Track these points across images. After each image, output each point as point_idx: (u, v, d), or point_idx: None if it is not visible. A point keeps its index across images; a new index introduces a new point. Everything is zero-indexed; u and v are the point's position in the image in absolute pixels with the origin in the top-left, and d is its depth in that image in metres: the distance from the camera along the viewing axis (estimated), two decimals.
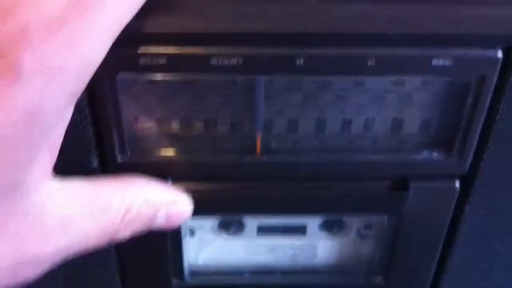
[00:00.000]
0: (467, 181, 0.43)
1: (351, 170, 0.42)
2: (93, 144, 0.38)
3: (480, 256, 0.47)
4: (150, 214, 0.36)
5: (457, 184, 0.42)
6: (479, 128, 0.39)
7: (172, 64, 0.35)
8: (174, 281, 0.48)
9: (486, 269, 0.48)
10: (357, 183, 0.42)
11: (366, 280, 0.49)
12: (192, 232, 0.48)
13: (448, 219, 0.44)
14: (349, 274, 0.50)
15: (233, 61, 0.35)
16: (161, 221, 0.37)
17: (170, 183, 0.41)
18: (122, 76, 0.36)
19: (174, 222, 0.38)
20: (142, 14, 0.32)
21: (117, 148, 0.39)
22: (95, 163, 0.39)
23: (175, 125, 0.40)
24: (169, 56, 0.35)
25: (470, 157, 0.41)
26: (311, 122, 0.40)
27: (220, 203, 0.43)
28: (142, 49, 0.35)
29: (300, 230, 0.48)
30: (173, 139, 0.40)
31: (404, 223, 0.45)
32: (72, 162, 0.39)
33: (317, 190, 0.42)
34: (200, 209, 0.42)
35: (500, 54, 0.36)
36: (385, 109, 0.40)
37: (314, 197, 0.43)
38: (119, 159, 0.39)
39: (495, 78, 0.37)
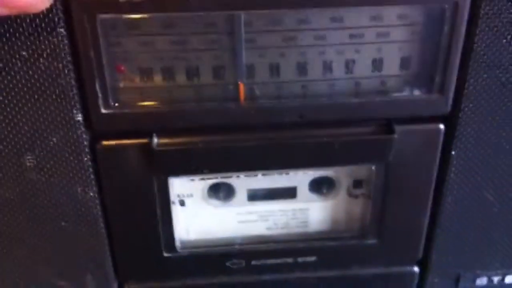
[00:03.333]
0: (451, 122, 0.43)
1: (335, 114, 0.42)
2: (76, 95, 0.38)
3: (472, 207, 0.47)
4: None
5: (441, 125, 0.43)
6: (457, 59, 0.40)
7: (152, 2, 0.36)
8: (166, 252, 0.47)
9: (479, 221, 0.47)
10: (341, 129, 0.42)
11: (359, 241, 0.48)
12: (182, 202, 0.47)
13: (435, 165, 0.44)
14: (342, 237, 0.49)
15: None
16: None
17: (155, 138, 0.41)
18: (102, 17, 0.36)
19: None
20: None
21: (100, 99, 0.39)
22: (79, 115, 0.39)
23: (157, 75, 0.40)
24: None
25: (451, 93, 0.41)
26: (293, 65, 0.40)
27: (206, 155, 0.42)
28: None
29: (291, 193, 0.48)
30: (156, 90, 0.40)
31: (392, 173, 0.45)
32: (55, 114, 0.39)
33: (302, 138, 0.42)
34: (187, 164, 0.42)
35: None
36: (364, 48, 0.40)
37: (298, 145, 0.42)
38: (103, 109, 0.39)
39: (468, 3, 0.38)
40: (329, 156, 0.44)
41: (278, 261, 0.48)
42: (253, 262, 0.48)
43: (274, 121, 0.41)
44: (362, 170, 0.47)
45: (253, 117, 0.41)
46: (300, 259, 0.48)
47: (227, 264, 0.48)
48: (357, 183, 0.48)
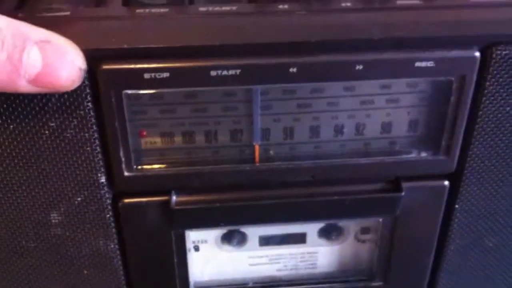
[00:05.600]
0: (456, 179, 0.45)
1: (345, 174, 0.44)
2: (100, 160, 0.40)
3: (473, 252, 0.49)
4: (17, 45, 0.32)
5: (446, 182, 0.45)
6: (463, 125, 0.42)
7: (174, 77, 0.38)
8: None
9: (479, 264, 0.50)
10: (351, 186, 0.45)
11: (365, 284, 0.51)
12: (196, 248, 0.49)
13: (440, 217, 0.47)
14: (349, 280, 0.51)
15: (231, 72, 0.38)
16: (34, 58, 0.33)
17: (174, 196, 0.43)
18: (128, 92, 0.38)
19: (52, 63, 0.34)
20: (142, 31, 0.34)
21: (123, 163, 0.41)
22: (103, 178, 0.41)
23: (177, 138, 0.42)
24: (171, 69, 0.37)
25: (457, 155, 0.43)
26: (306, 129, 0.42)
27: (222, 212, 0.44)
28: (146, 64, 0.37)
29: (300, 239, 0.50)
30: (176, 152, 0.42)
31: (399, 224, 0.47)
32: (81, 177, 0.41)
33: (314, 195, 0.44)
34: (204, 220, 0.44)
35: (477, 53, 0.39)
36: (374, 113, 0.42)
37: (311, 203, 0.45)
38: (126, 172, 0.41)
39: (475, 77, 0.40)
40: (338, 212, 0.46)
41: None
42: None
43: (287, 180, 0.44)
44: (370, 219, 0.49)
45: (268, 176, 0.43)
46: None
47: None
48: (364, 230, 0.50)
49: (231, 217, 0.45)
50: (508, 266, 0.51)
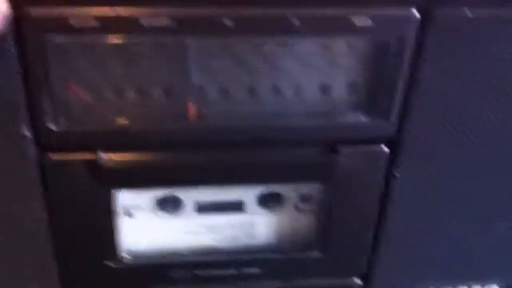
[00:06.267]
0: (396, 145, 0.44)
1: (282, 135, 0.43)
2: (24, 111, 0.38)
3: (415, 223, 0.49)
4: None
5: (385, 147, 0.44)
6: (402, 88, 0.41)
7: (102, 25, 0.36)
8: (111, 263, 0.47)
9: (421, 235, 0.49)
10: (288, 149, 0.44)
11: (303, 254, 0.50)
12: (129, 213, 0.48)
13: (379, 186, 0.46)
14: (288, 251, 0.50)
15: (163, 22, 0.36)
16: None
17: (102, 153, 0.41)
18: (52, 37, 0.36)
19: None
20: None
21: (49, 116, 0.39)
22: (25, 129, 0.39)
23: (107, 93, 0.40)
24: (99, 17, 0.36)
25: (395, 118, 0.43)
26: (241, 87, 0.41)
27: (153, 172, 0.43)
28: (72, 10, 0.35)
29: (238, 207, 0.49)
30: (106, 108, 0.41)
31: (337, 193, 0.46)
32: (4, 129, 0.39)
33: (249, 157, 0.43)
34: (135, 181, 0.43)
35: (416, 13, 0.38)
36: (312, 73, 0.41)
37: (246, 165, 0.43)
38: (52, 127, 0.39)
39: (414, 38, 0.39)
40: (275, 175, 0.45)
41: (223, 272, 0.49)
42: (198, 273, 0.49)
43: (222, 140, 0.42)
44: (309, 186, 0.48)
45: (202, 136, 0.42)
46: (245, 271, 0.49)
47: (173, 274, 0.48)
48: (304, 199, 0.49)
49: (162, 177, 0.43)
50: (448, 237, 0.51)
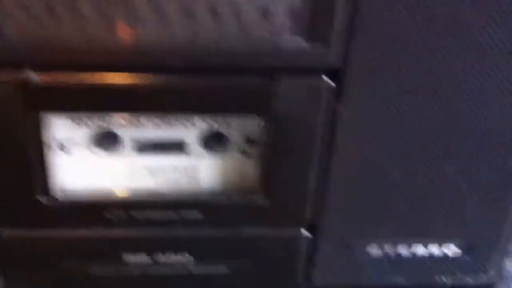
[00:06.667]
0: (339, 78, 0.42)
1: (219, 60, 0.41)
2: None
3: (360, 169, 0.46)
4: None
5: (326, 78, 0.42)
6: (344, 14, 0.39)
7: None
8: (41, 199, 0.45)
9: (368, 182, 0.47)
10: (225, 76, 0.42)
11: (247, 201, 0.47)
12: (64, 148, 0.46)
13: (323, 122, 0.44)
14: (230, 195, 0.48)
15: None
16: None
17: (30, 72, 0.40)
18: None
19: None
20: None
21: None
22: None
23: (35, 8, 0.38)
24: None
25: (337, 47, 0.41)
26: (178, 6, 0.39)
27: (85, 96, 0.41)
28: None
29: (179, 147, 0.47)
30: (32, 23, 0.39)
31: (279, 131, 0.44)
32: None
33: (184, 83, 0.41)
34: (63, 102, 0.41)
35: None
36: None
37: (181, 91, 0.41)
38: None
39: None
40: (212, 104, 0.43)
41: (161, 215, 0.47)
42: (134, 214, 0.46)
43: (155, 63, 0.40)
44: (253, 127, 0.46)
45: (134, 58, 0.40)
46: (185, 215, 0.47)
47: (108, 215, 0.46)
48: (250, 141, 0.47)
49: (90, 100, 0.41)
50: (398, 186, 0.48)
